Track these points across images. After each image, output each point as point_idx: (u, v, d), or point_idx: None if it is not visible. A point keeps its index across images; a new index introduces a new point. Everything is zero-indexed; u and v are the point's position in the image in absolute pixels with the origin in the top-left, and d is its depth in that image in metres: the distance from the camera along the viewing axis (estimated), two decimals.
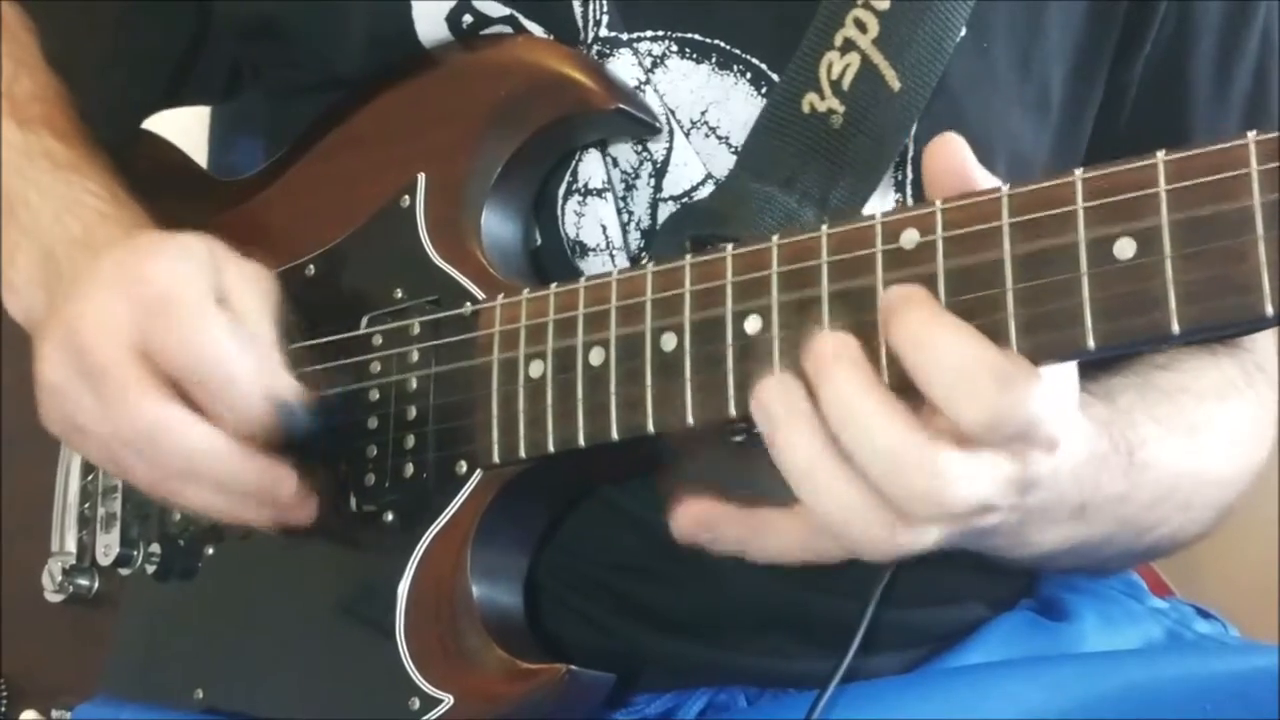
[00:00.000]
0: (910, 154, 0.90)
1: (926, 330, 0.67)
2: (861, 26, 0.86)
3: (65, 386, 0.85)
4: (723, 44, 0.91)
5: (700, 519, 0.76)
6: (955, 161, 0.70)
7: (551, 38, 0.92)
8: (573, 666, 0.83)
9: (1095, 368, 0.91)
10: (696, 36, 0.91)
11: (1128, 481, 0.83)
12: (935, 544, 0.71)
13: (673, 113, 0.91)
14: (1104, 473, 0.81)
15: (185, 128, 1.20)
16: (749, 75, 0.90)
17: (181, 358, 0.82)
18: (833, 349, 0.70)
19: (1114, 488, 0.82)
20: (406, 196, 0.93)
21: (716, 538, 0.76)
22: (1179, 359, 0.95)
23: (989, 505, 0.70)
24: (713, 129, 0.91)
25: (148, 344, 0.82)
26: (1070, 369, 0.71)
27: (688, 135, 0.91)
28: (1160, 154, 0.65)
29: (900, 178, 0.90)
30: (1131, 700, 0.85)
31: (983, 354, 0.66)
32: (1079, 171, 0.67)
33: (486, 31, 0.94)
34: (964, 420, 0.66)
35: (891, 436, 0.68)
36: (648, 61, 0.91)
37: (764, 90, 0.90)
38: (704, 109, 0.91)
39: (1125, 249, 0.65)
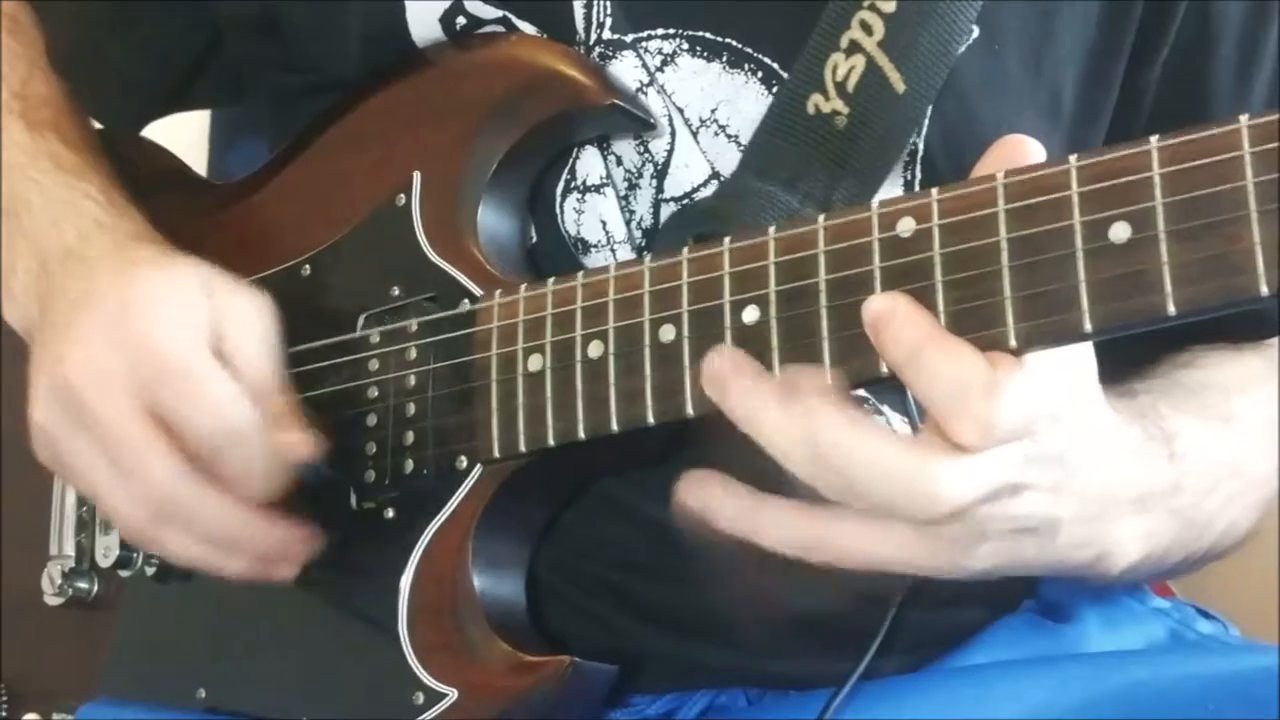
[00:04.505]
0: (920, 154, 0.90)
1: (922, 352, 0.68)
2: (867, 29, 0.86)
3: (55, 430, 0.86)
4: (734, 42, 0.90)
5: (703, 491, 0.76)
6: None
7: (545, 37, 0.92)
8: (576, 658, 0.83)
9: (1120, 377, 0.89)
10: (707, 35, 0.90)
11: (1175, 469, 0.82)
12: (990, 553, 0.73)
13: (680, 111, 0.91)
14: (1147, 461, 0.80)
15: (179, 129, 1.20)
16: (760, 74, 0.90)
17: (196, 430, 0.83)
18: (807, 384, 0.71)
19: (1163, 477, 0.81)
20: (402, 195, 0.93)
21: (716, 511, 0.75)
22: (1201, 355, 0.94)
23: (997, 489, 0.70)
24: (722, 127, 0.91)
25: (157, 408, 0.83)
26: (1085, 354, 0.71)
27: (696, 134, 0.91)
28: (1154, 139, 0.65)
29: (909, 177, 0.90)
30: (1134, 699, 0.85)
31: (974, 369, 0.68)
32: (1073, 158, 0.67)
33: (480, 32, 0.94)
34: (962, 437, 0.68)
35: (878, 452, 0.69)
36: (656, 60, 0.91)
37: (774, 89, 0.90)
38: (714, 107, 0.90)
39: (1120, 232, 0.65)
